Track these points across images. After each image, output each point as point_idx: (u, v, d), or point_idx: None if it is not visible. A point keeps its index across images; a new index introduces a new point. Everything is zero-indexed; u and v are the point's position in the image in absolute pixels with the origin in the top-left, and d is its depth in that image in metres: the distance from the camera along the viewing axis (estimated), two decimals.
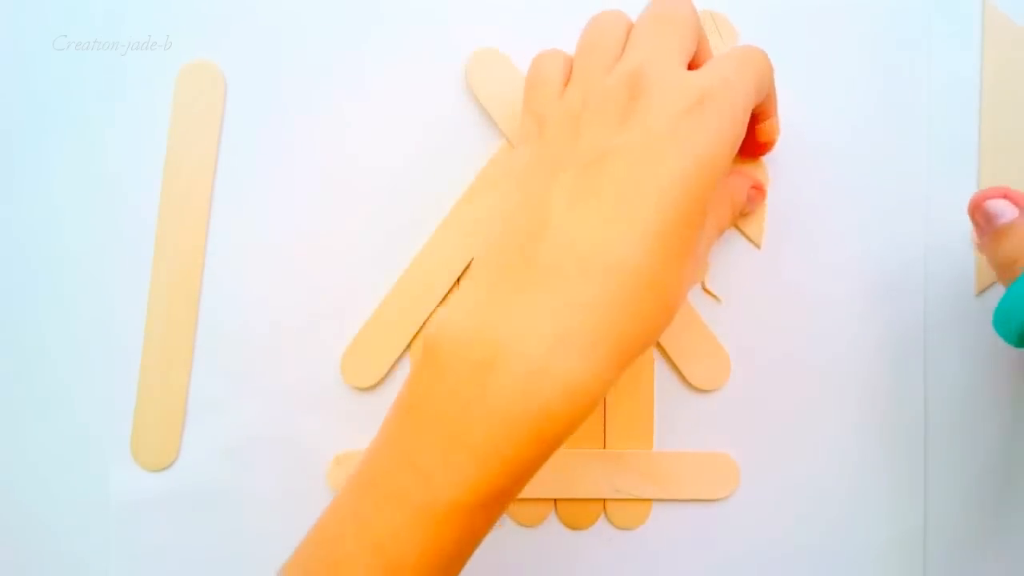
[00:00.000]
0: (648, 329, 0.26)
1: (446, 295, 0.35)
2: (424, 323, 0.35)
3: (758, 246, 0.35)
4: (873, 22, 0.35)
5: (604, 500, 0.36)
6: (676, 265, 0.26)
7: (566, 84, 0.29)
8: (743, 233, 0.35)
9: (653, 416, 0.36)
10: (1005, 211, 0.29)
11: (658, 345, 0.35)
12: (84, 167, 0.36)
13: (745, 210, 0.34)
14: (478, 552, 0.37)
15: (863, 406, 0.36)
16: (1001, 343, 0.35)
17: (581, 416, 0.25)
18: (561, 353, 0.24)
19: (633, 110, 0.26)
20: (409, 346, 0.36)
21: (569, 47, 0.35)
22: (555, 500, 0.36)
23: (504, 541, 0.36)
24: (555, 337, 0.24)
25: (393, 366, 0.36)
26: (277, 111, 0.36)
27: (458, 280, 0.35)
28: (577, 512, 0.36)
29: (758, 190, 0.34)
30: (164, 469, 0.36)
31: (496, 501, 0.25)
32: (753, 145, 0.33)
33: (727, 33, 0.35)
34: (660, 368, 0.36)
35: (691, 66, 0.29)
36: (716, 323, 0.35)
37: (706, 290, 0.35)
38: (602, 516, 0.36)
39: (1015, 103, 0.35)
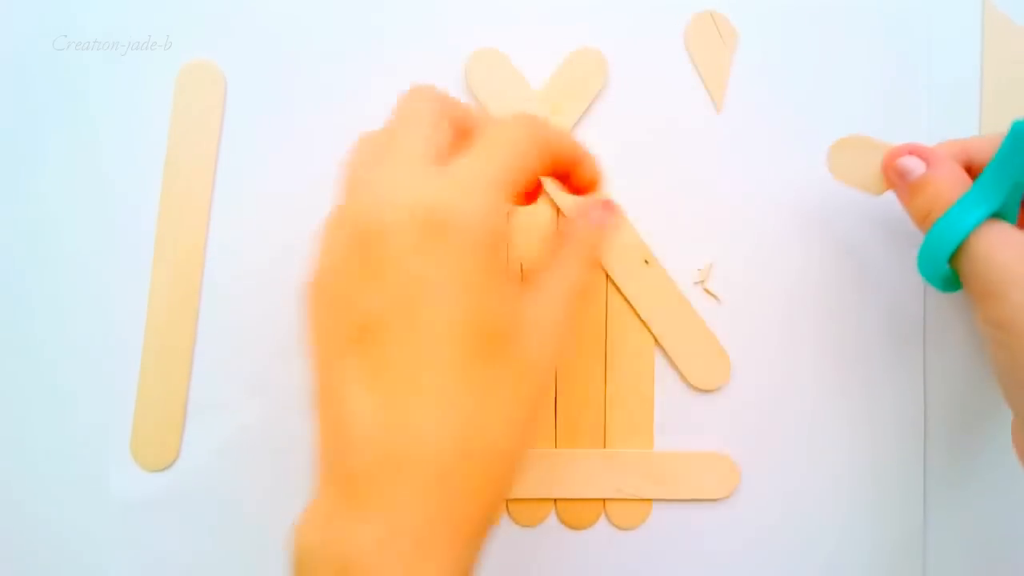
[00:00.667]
0: (488, 494, 0.24)
1: None
2: None
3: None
4: (873, 22, 0.35)
5: (604, 500, 0.36)
6: (492, 416, 0.24)
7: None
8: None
9: (653, 416, 0.36)
10: (916, 167, 0.30)
11: (658, 345, 0.35)
12: (84, 167, 0.36)
13: (600, 239, 0.30)
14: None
15: (863, 406, 0.36)
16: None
17: None
18: (395, 558, 0.23)
19: (372, 259, 0.24)
20: None
21: (569, 47, 0.35)
22: (555, 500, 0.36)
23: (504, 541, 0.36)
24: (391, 542, 0.23)
25: None
26: (277, 111, 0.36)
27: None
28: (577, 512, 0.36)
29: (608, 209, 0.30)
30: (164, 469, 0.36)
31: None
32: (581, 189, 0.30)
33: (727, 33, 0.35)
34: (660, 368, 0.36)
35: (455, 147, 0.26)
36: (716, 323, 0.35)
37: (706, 290, 0.35)
38: (602, 516, 0.36)
39: (1015, 103, 0.35)
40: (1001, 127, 0.35)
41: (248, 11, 0.36)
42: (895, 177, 0.31)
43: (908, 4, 0.35)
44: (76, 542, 0.36)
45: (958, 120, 0.35)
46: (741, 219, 0.35)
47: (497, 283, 0.24)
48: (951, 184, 0.29)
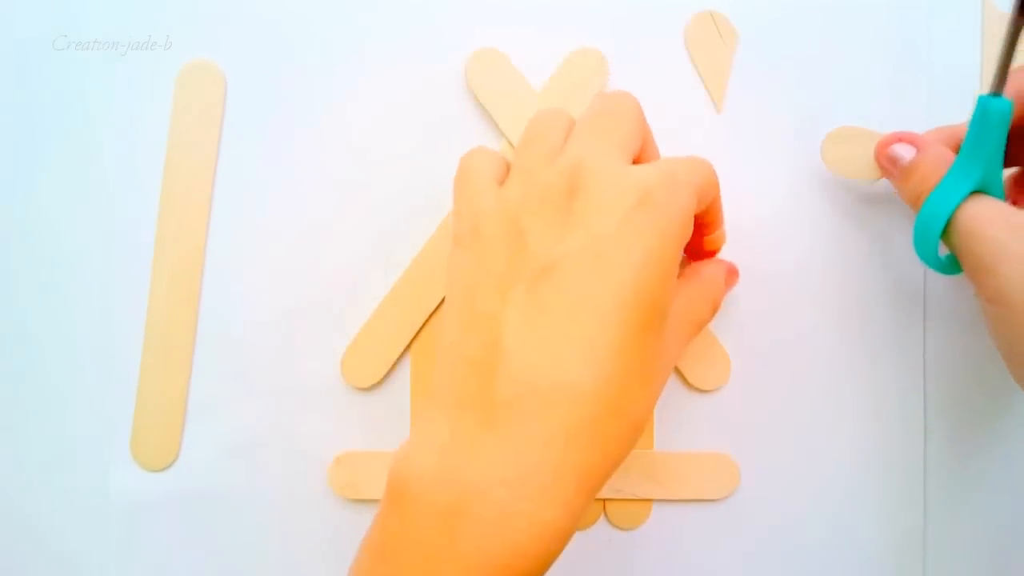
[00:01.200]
0: (614, 454, 0.25)
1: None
2: (424, 323, 0.35)
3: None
4: (873, 22, 0.35)
5: (604, 500, 0.36)
6: (638, 382, 0.25)
7: (501, 182, 0.28)
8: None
9: (653, 416, 0.36)
10: (905, 153, 0.31)
11: None
12: (84, 167, 0.36)
13: (722, 289, 0.33)
14: None
15: (863, 406, 0.36)
16: None
17: (553, 553, 0.24)
18: (527, 494, 0.23)
19: (573, 209, 0.25)
20: (409, 346, 0.36)
21: (569, 47, 0.35)
22: None
23: None
24: (520, 479, 0.23)
25: (393, 366, 0.36)
26: (277, 111, 0.36)
27: None
28: None
29: (732, 273, 0.34)
30: (164, 469, 0.36)
31: None
32: (699, 254, 0.33)
33: (727, 33, 0.35)
34: None
35: (636, 163, 0.28)
36: (716, 323, 0.35)
37: None
38: (602, 516, 0.36)
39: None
40: None
41: (248, 11, 0.36)
42: (887, 164, 0.32)
43: (908, 4, 0.35)
44: (76, 542, 0.36)
45: (958, 119, 0.35)
46: (741, 219, 0.35)
47: (673, 268, 0.26)
48: (938, 166, 0.30)
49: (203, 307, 0.36)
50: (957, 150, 0.30)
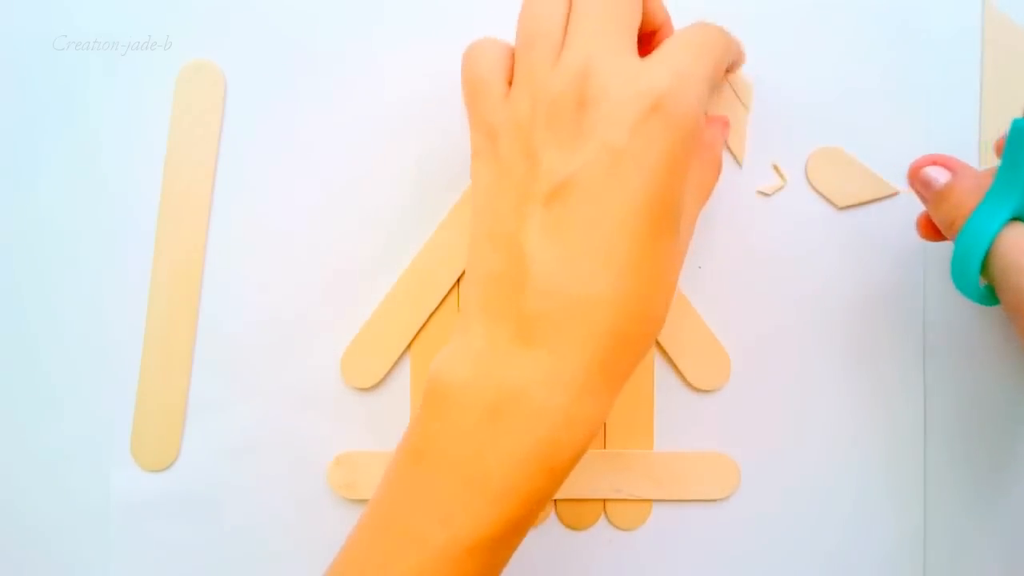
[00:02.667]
0: (638, 350, 0.27)
1: (446, 296, 0.35)
2: (424, 323, 0.35)
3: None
4: (873, 22, 0.35)
5: (604, 500, 0.36)
6: (656, 286, 0.26)
7: (509, 80, 0.28)
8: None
9: (653, 416, 0.36)
10: (939, 176, 0.30)
11: (658, 345, 0.35)
12: (84, 167, 0.36)
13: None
14: None
15: (863, 406, 0.36)
16: (1001, 342, 0.35)
17: (586, 443, 0.26)
18: (561, 391, 0.25)
19: (583, 122, 0.26)
20: (409, 346, 0.36)
21: None
22: (555, 500, 0.36)
23: None
24: (554, 379, 0.25)
25: (393, 366, 0.36)
26: (277, 111, 0.36)
27: (458, 281, 0.35)
28: (577, 512, 0.36)
29: (726, 126, 0.33)
30: (164, 469, 0.36)
31: (514, 533, 0.26)
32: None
33: (742, 90, 0.35)
34: (660, 368, 0.36)
35: (644, 37, 0.29)
36: (716, 323, 0.35)
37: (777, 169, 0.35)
38: (602, 516, 0.36)
39: (1015, 103, 0.35)
40: (1001, 127, 0.35)
41: (248, 11, 0.36)
42: (920, 187, 0.31)
43: (908, 4, 0.35)
44: (76, 542, 0.36)
45: (958, 120, 0.35)
46: (740, 219, 0.35)
47: (685, 170, 0.26)
48: (972, 191, 0.29)
49: (203, 307, 0.36)
50: (992, 176, 0.30)
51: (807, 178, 0.34)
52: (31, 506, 0.36)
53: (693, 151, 0.26)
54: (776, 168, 0.35)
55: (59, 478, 0.36)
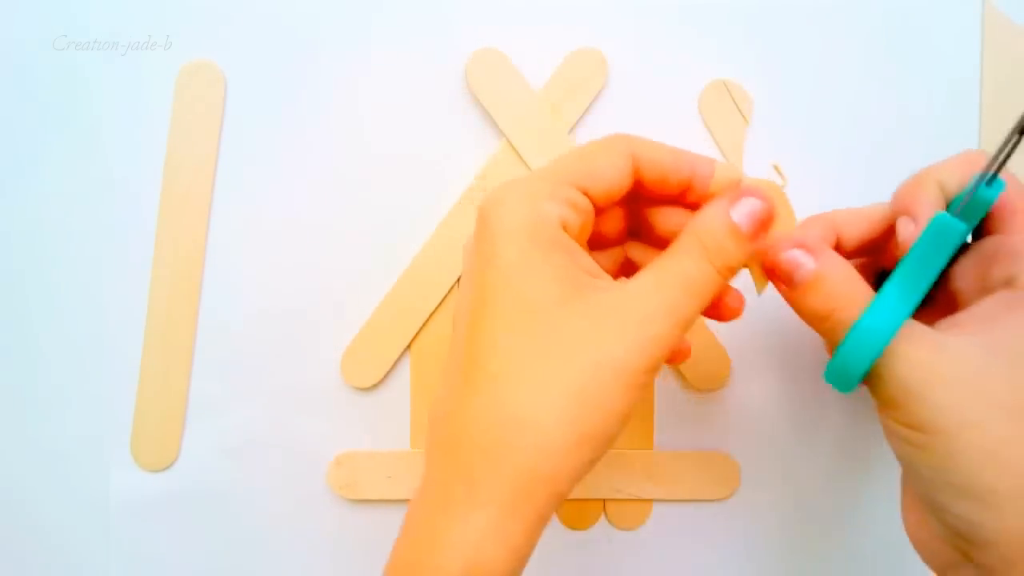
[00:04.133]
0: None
1: (445, 296, 0.35)
2: (424, 323, 0.35)
3: (759, 292, 0.29)
4: (873, 23, 0.35)
5: (604, 500, 0.36)
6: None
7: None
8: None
9: (653, 416, 0.36)
10: (804, 262, 0.26)
11: None
12: (84, 167, 0.36)
13: (730, 229, 0.27)
14: None
15: (863, 406, 0.36)
16: None
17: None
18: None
19: None
20: (409, 346, 0.36)
21: (569, 47, 0.35)
22: None
23: None
24: None
25: (393, 366, 0.36)
26: (277, 111, 0.36)
27: (457, 281, 0.35)
28: (577, 512, 0.36)
29: (764, 192, 0.27)
30: (164, 469, 0.36)
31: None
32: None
33: (741, 100, 0.35)
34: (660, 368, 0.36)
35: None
36: (716, 323, 0.35)
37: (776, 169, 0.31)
38: (602, 516, 0.36)
39: (1015, 103, 0.35)
40: (1001, 127, 0.35)
41: (248, 11, 0.36)
42: (782, 277, 0.27)
43: (908, 4, 0.35)
44: (76, 542, 0.36)
45: (958, 120, 0.35)
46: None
47: (539, 259, 0.25)
48: (846, 282, 0.26)
49: (203, 307, 0.36)
50: (837, 243, 0.28)
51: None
52: (31, 506, 0.36)
53: (536, 247, 0.25)
54: (776, 168, 0.35)
55: (59, 478, 0.36)
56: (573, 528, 0.36)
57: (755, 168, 0.35)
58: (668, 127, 0.36)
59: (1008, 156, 0.25)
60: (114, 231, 0.36)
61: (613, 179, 0.27)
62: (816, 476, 0.35)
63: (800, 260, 0.26)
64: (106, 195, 0.36)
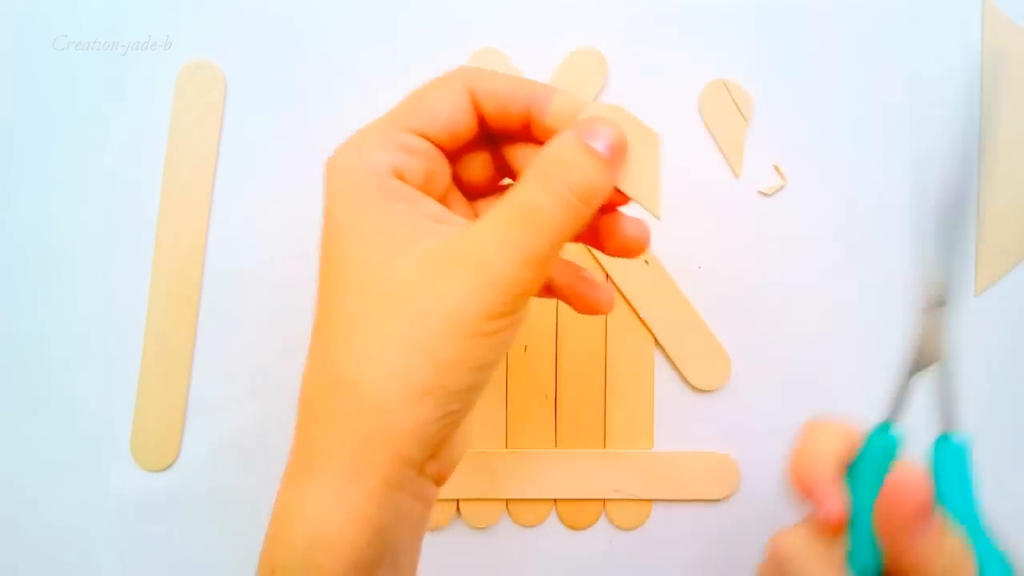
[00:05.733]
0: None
1: None
2: None
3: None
4: (873, 23, 0.35)
5: (604, 500, 0.36)
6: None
7: None
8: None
9: (653, 416, 0.36)
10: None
11: (658, 345, 0.35)
12: (84, 167, 0.36)
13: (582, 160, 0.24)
14: (477, 551, 0.37)
15: (863, 407, 0.36)
16: (1004, 341, 0.35)
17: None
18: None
19: None
20: None
21: (567, 48, 0.35)
22: (555, 500, 0.36)
23: (504, 541, 0.36)
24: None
25: None
26: (277, 111, 0.36)
27: None
28: (577, 512, 0.36)
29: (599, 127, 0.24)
30: (164, 469, 0.36)
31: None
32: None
33: (741, 100, 0.35)
34: (660, 368, 0.36)
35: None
36: (716, 323, 0.35)
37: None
38: (602, 516, 0.36)
39: (1015, 103, 0.35)
40: (1001, 128, 0.35)
41: (248, 11, 0.36)
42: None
43: (908, 4, 0.35)
44: (76, 542, 0.36)
45: (958, 120, 0.35)
46: (740, 219, 0.35)
47: (370, 213, 0.24)
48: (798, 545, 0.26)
49: (203, 307, 0.36)
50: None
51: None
52: (32, 506, 0.36)
53: (365, 197, 0.25)
54: (776, 168, 0.35)
55: (59, 478, 0.36)
56: (573, 528, 0.36)
57: (755, 168, 0.35)
58: (668, 127, 0.35)
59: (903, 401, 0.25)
60: (114, 231, 0.36)
61: (451, 116, 0.25)
62: None
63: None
64: (106, 195, 0.36)
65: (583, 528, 0.36)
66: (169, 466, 0.36)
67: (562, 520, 0.36)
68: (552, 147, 0.24)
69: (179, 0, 0.36)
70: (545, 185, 0.23)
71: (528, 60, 0.35)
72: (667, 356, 0.35)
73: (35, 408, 0.36)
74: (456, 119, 0.25)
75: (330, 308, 0.24)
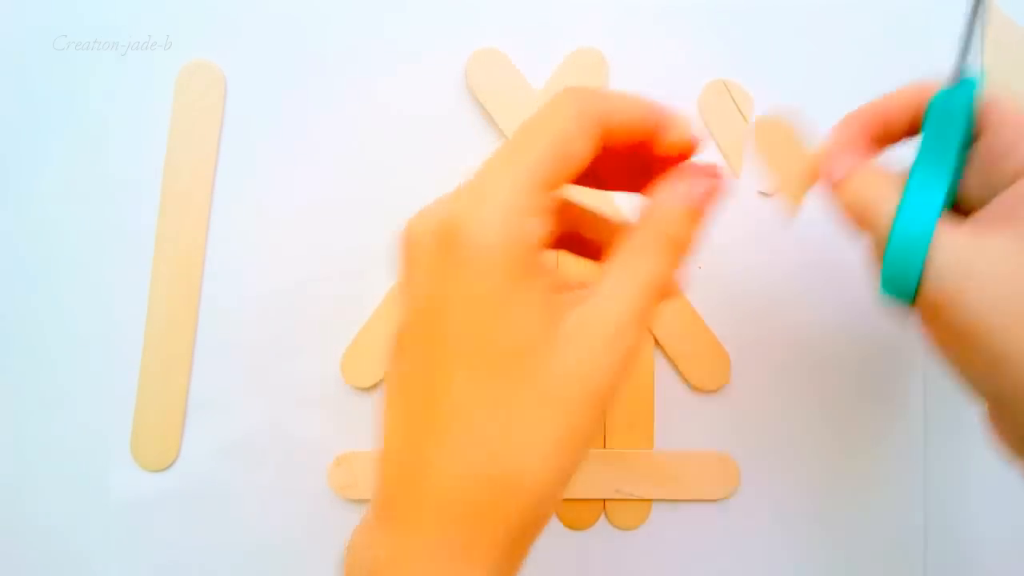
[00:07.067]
0: (512, 525, 0.23)
1: None
2: None
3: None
4: (873, 23, 0.35)
5: (604, 500, 0.36)
6: (509, 448, 0.22)
7: None
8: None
9: (653, 416, 0.36)
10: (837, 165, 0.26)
11: (658, 345, 0.35)
12: (84, 167, 0.36)
13: (685, 216, 0.24)
14: None
15: (863, 406, 0.36)
16: None
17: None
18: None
19: None
20: None
21: (567, 48, 0.35)
22: None
23: None
24: (404, 563, 0.22)
25: None
26: (277, 111, 0.36)
27: None
28: (577, 512, 0.36)
29: (702, 175, 0.25)
30: (164, 469, 0.36)
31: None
32: (667, 164, 0.25)
33: (741, 100, 0.35)
34: (660, 368, 0.36)
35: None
36: (716, 323, 0.35)
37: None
38: (602, 516, 0.36)
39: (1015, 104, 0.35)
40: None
41: (248, 11, 0.36)
42: (824, 183, 0.27)
43: (908, 4, 0.35)
44: (76, 542, 0.36)
45: None
46: (740, 219, 0.35)
47: (521, 293, 0.22)
48: (875, 176, 0.26)
49: (203, 307, 0.36)
50: (883, 132, 0.27)
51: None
52: (32, 505, 0.36)
53: (515, 271, 0.22)
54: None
55: (59, 477, 0.36)
56: (573, 528, 0.36)
57: (755, 168, 0.35)
58: None
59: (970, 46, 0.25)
60: (114, 231, 0.36)
61: (584, 163, 0.23)
62: (816, 476, 0.35)
63: (833, 164, 0.26)
64: (106, 195, 0.36)
65: (583, 528, 0.36)
66: (169, 466, 0.36)
67: (562, 520, 0.36)
68: (668, 211, 0.24)
69: (179, 0, 0.36)
70: (666, 254, 0.23)
71: (528, 60, 0.35)
72: (667, 356, 0.35)
73: (35, 408, 0.36)
74: (585, 164, 0.23)
75: (466, 395, 0.22)
